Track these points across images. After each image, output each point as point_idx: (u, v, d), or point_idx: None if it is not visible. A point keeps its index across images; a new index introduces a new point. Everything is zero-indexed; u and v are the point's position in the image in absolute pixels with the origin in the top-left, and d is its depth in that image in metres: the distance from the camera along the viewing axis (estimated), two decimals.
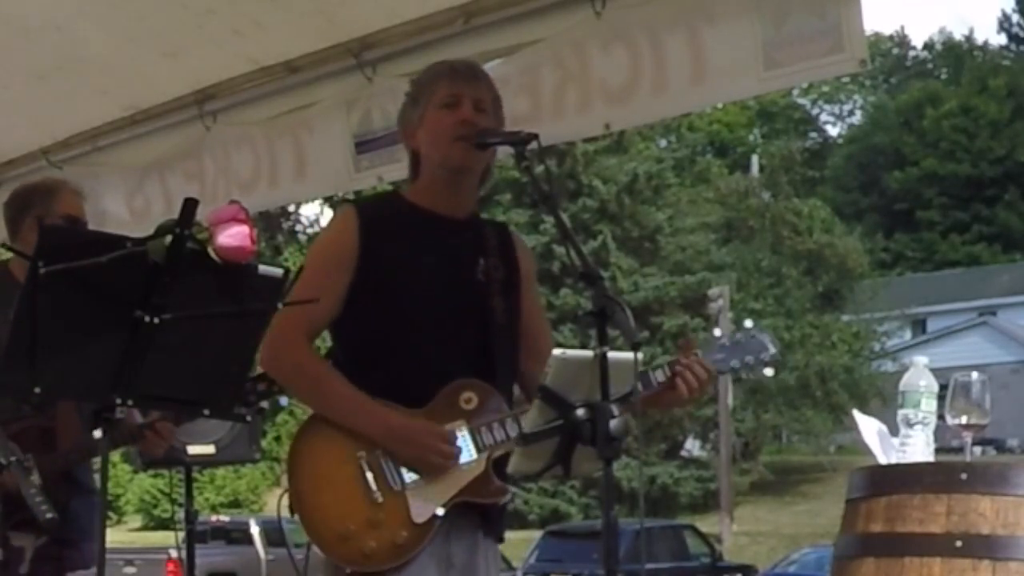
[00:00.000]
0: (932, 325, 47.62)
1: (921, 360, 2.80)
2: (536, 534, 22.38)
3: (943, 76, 66.47)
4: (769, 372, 3.06)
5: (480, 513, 3.05)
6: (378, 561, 2.91)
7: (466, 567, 3.05)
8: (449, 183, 3.13)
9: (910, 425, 2.74)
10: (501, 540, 3.17)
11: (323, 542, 2.93)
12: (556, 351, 2.67)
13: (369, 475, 2.93)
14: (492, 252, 3.15)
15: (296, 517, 2.96)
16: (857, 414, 2.93)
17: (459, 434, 2.99)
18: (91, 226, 3.85)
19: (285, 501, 2.97)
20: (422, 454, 2.94)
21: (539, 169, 2.83)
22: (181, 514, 4.44)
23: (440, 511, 2.96)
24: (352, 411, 2.97)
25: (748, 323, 3.12)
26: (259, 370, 3.23)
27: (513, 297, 3.16)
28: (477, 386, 3.03)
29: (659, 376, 2.99)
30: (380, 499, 2.93)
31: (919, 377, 2.75)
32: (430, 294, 3.05)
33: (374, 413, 2.96)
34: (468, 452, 2.99)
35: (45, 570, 3.69)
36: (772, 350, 3.07)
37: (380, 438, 2.94)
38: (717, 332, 3.15)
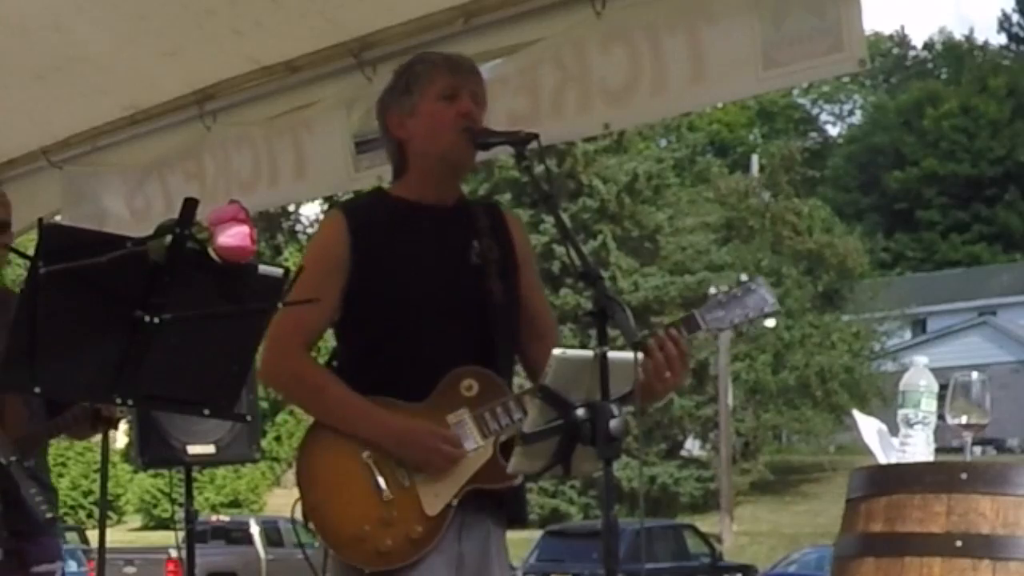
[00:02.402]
0: (932, 325, 47.62)
1: (921, 360, 2.80)
2: (536, 534, 22.38)
3: (943, 76, 66.48)
4: (771, 323, 3.05)
5: (494, 500, 3.04)
6: (396, 558, 2.92)
7: (478, 566, 3.05)
8: (443, 175, 3.13)
9: (910, 425, 2.74)
10: (524, 522, 3.17)
11: (339, 546, 2.94)
12: (556, 351, 2.67)
13: (378, 474, 2.94)
14: (485, 233, 3.13)
15: (311, 526, 2.97)
16: (857, 414, 2.93)
17: (463, 421, 2.99)
18: (91, 226, 3.85)
19: (299, 508, 2.98)
20: (426, 456, 2.94)
21: (539, 169, 2.83)
22: (181, 514, 4.44)
23: (454, 501, 2.96)
24: (354, 418, 2.97)
25: (744, 277, 3.09)
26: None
27: (512, 277, 3.15)
28: (476, 372, 3.02)
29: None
30: (391, 497, 2.93)
31: (919, 377, 2.75)
32: (425, 285, 3.05)
33: (376, 418, 2.96)
34: (473, 439, 2.99)
35: (12, 566, 3.70)
36: (771, 301, 2.99)
37: (384, 443, 2.94)
38: (712, 290, 3.13)
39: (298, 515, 2.99)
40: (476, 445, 2.98)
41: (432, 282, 3.05)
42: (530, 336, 3.16)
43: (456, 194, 3.20)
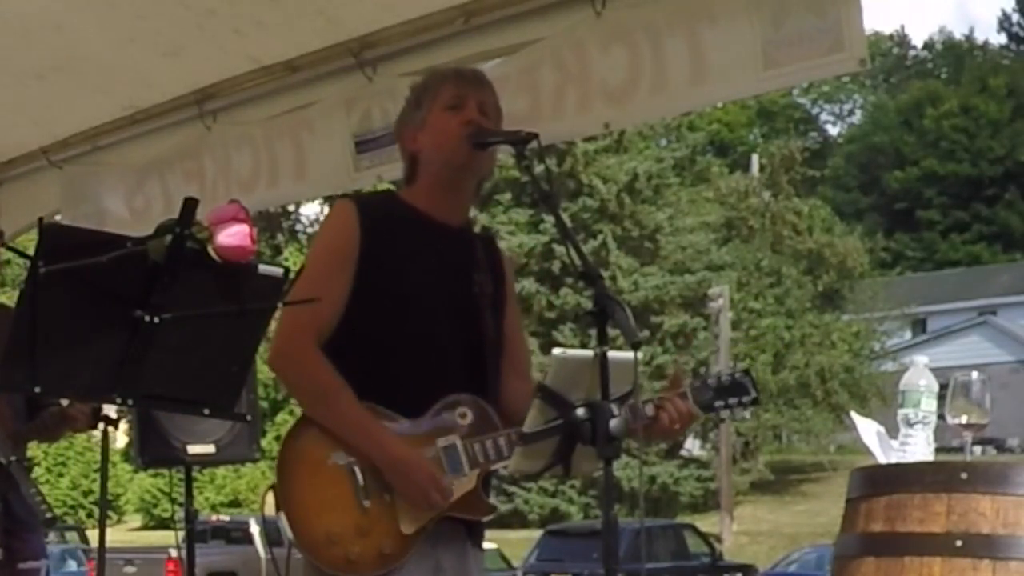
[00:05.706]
0: (932, 325, 47.63)
1: (921, 360, 2.80)
2: (536, 534, 22.39)
3: (943, 76, 66.52)
4: (747, 415, 3.13)
5: (465, 525, 3.04)
6: (362, 568, 2.89)
7: (456, 573, 3.03)
8: (451, 185, 3.11)
9: (910, 425, 2.74)
10: (481, 548, 3.16)
11: (309, 544, 2.90)
12: (556, 351, 2.67)
13: (360, 481, 2.91)
14: (482, 267, 3.14)
15: (283, 516, 2.93)
16: (856, 416, 2.93)
17: (453, 447, 2.97)
18: (91, 226, 3.85)
19: (271, 498, 2.94)
20: (414, 495, 2.91)
21: (539, 168, 2.83)
22: (181, 514, 4.43)
23: (430, 525, 2.94)
24: (357, 432, 2.93)
25: (740, 365, 3.13)
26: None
27: (499, 314, 3.15)
28: (472, 401, 3.01)
29: (648, 410, 2.95)
30: (369, 506, 2.91)
31: (919, 377, 2.75)
32: (430, 304, 3.03)
33: (376, 438, 2.93)
34: (461, 467, 2.96)
35: (2, 563, 3.71)
36: (753, 394, 3.08)
37: (379, 464, 2.91)
38: (711, 372, 3.17)
39: (272, 508, 2.94)
40: (462, 473, 2.96)
41: (434, 303, 3.04)
42: (513, 375, 3.14)
43: (463, 216, 3.19)
